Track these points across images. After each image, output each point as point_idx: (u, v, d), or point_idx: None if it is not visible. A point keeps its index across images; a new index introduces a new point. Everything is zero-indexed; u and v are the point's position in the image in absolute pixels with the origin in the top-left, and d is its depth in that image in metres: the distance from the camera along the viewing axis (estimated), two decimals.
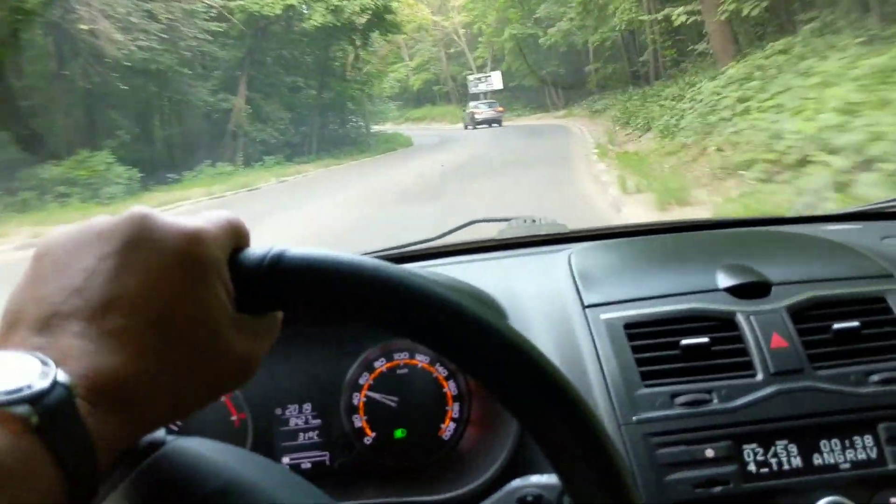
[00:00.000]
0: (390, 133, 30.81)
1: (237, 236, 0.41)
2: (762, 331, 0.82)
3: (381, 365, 0.92)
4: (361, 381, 0.91)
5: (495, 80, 39.95)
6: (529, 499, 0.67)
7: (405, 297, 0.38)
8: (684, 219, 1.82)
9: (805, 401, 0.77)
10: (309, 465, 0.89)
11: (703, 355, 0.82)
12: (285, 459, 0.89)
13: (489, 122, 27.82)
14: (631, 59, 26.16)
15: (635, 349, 0.83)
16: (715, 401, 0.78)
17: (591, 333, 0.86)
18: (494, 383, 0.39)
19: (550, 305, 0.94)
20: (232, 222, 0.41)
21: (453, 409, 0.90)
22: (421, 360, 0.92)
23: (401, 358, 0.92)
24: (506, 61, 36.83)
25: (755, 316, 0.84)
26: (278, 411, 0.91)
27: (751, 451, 0.75)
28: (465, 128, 28.60)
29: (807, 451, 0.76)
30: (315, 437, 0.91)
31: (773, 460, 0.75)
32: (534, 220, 1.40)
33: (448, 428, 0.89)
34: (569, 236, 1.27)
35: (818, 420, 0.76)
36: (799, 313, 0.84)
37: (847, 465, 0.75)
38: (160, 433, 0.43)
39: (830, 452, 0.75)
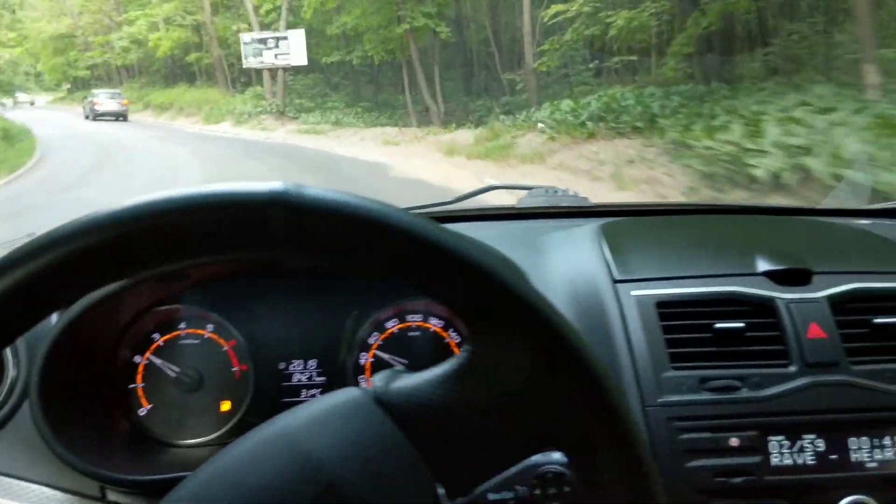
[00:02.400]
0: None
1: None
2: (801, 319, 0.79)
3: (392, 325, 0.90)
4: (371, 341, 0.89)
5: (294, 48, 20.21)
6: (549, 476, 0.65)
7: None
8: (713, 202, 1.61)
9: (838, 395, 0.75)
10: None
11: (737, 340, 0.78)
12: None
13: (112, 115, 24.22)
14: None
15: (666, 329, 0.79)
16: (745, 389, 0.75)
17: (620, 310, 0.82)
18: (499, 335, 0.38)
19: (577, 277, 0.90)
20: None
21: None
22: (434, 325, 0.90)
23: (413, 320, 0.90)
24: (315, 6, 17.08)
25: (795, 304, 0.80)
26: (282, 365, 0.88)
27: (777, 443, 0.74)
28: (86, 118, 24.57)
29: (835, 446, 0.74)
30: (318, 396, 0.85)
31: (799, 454, 0.74)
32: (555, 191, 1.33)
33: None
34: (592, 210, 1.22)
35: (850, 416, 0.75)
36: (839, 304, 0.80)
37: (874, 465, 0.74)
38: None
39: (859, 450, 0.74)
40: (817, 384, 0.75)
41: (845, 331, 0.78)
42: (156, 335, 0.88)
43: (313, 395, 0.86)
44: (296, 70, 22.13)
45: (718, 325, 0.78)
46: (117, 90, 28.46)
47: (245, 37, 21.03)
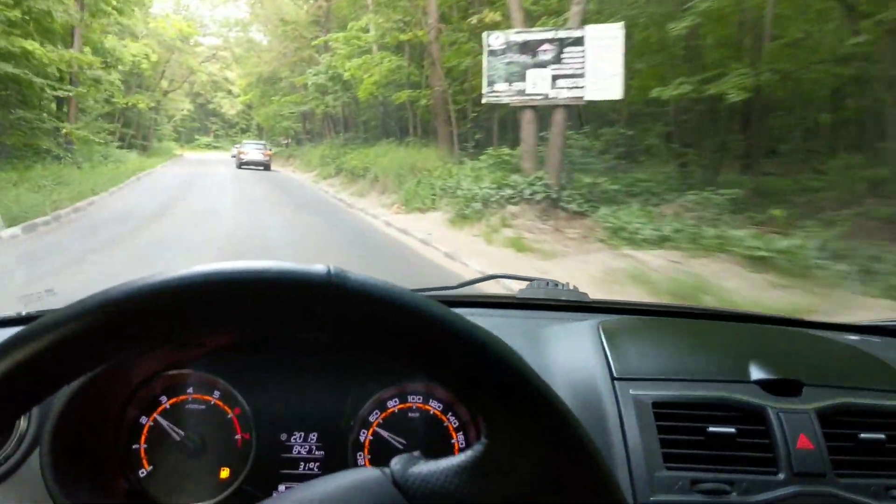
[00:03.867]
0: None
1: None
2: (790, 429, 0.80)
3: (393, 405, 0.91)
4: (371, 419, 0.91)
5: (597, 63, 8.98)
6: None
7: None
8: (710, 307, 1.65)
9: None
10: None
11: (728, 445, 0.80)
12: (282, 487, 0.87)
13: (255, 164, 25.90)
14: None
15: (661, 429, 0.81)
16: (734, 493, 0.76)
17: (618, 407, 0.84)
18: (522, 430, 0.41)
19: (577, 372, 0.91)
20: None
21: None
22: (434, 407, 0.91)
23: (414, 401, 0.91)
24: None
25: (784, 413, 0.82)
26: (283, 437, 0.90)
27: None
28: (237, 167, 25.99)
29: None
30: (316, 469, 0.89)
31: None
32: (556, 284, 1.34)
33: None
34: (590, 305, 1.24)
35: None
36: (827, 417, 0.82)
37: None
38: None
39: None
40: (804, 494, 0.76)
41: (832, 443, 0.80)
42: (163, 398, 0.88)
43: (311, 468, 0.87)
44: (576, 117, 10.95)
45: (711, 429, 0.80)
46: (262, 141, 30.79)
47: (495, 37, 10.12)
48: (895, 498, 0.76)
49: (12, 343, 0.35)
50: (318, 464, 0.88)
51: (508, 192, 9.38)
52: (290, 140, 44.68)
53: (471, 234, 8.77)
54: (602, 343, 0.95)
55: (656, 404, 0.83)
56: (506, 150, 11.60)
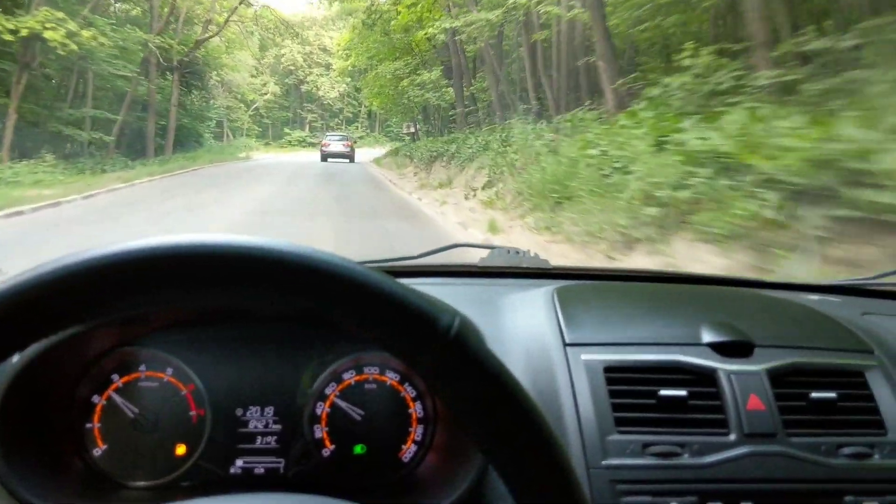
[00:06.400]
0: None
1: None
2: (741, 390, 0.82)
3: (349, 377, 0.91)
4: (328, 391, 0.91)
5: None
6: None
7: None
8: (667, 270, 1.74)
9: (775, 465, 0.77)
10: (262, 471, 0.88)
11: (680, 408, 0.81)
12: (239, 462, 0.88)
13: (338, 156, 28.41)
14: None
15: (612, 394, 0.82)
16: (686, 455, 0.77)
17: (569, 372, 0.85)
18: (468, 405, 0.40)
19: (531, 339, 0.92)
20: None
21: (416, 432, 0.89)
22: (390, 378, 0.92)
23: (371, 372, 0.92)
24: None
25: (735, 375, 0.83)
26: (239, 412, 0.89)
27: None
28: (323, 160, 28.30)
29: None
30: (273, 443, 0.89)
31: None
32: (517, 252, 1.37)
33: (409, 450, 0.89)
34: (551, 272, 1.26)
35: (785, 486, 0.76)
36: (778, 377, 0.84)
37: None
38: None
39: None
40: (755, 454, 0.77)
41: (783, 403, 0.80)
42: (115, 376, 0.88)
43: (269, 442, 0.87)
44: None
45: (662, 393, 0.80)
46: (345, 133, 34.49)
47: None
48: (846, 456, 0.78)
49: None
50: (275, 437, 0.87)
51: None
52: (415, 128, 32.07)
53: None
54: (556, 309, 0.95)
55: (608, 369, 0.83)
56: None
